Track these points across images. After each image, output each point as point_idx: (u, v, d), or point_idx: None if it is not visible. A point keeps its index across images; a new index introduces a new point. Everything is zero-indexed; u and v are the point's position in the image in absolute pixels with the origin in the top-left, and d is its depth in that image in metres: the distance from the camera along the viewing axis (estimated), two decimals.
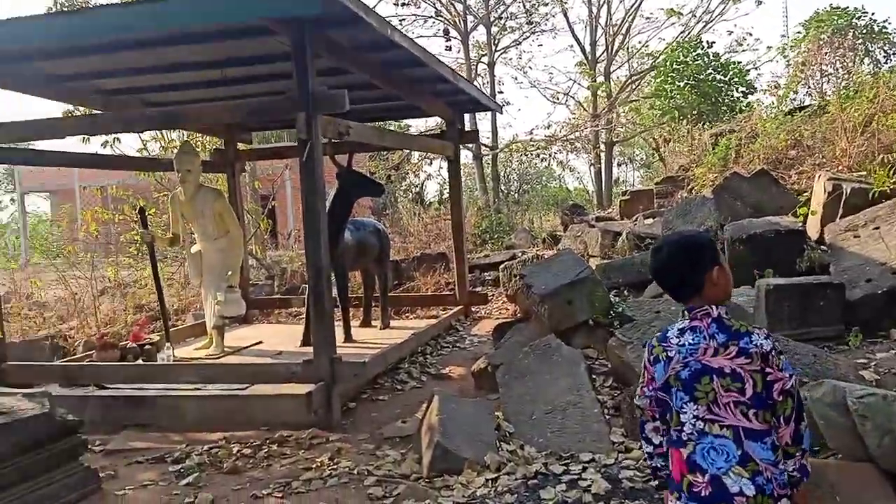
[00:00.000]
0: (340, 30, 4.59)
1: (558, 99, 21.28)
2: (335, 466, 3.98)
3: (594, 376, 4.70)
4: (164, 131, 10.33)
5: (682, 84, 14.33)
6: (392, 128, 12.04)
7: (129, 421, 4.82)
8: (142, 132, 4.60)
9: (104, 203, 13.12)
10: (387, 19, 4.97)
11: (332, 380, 4.55)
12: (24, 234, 22.23)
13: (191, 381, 4.73)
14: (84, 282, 9.59)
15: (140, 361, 5.70)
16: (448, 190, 7.84)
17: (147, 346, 5.79)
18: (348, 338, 6.45)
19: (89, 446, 4.48)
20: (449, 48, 19.43)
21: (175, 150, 6.10)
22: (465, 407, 4.28)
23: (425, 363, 5.96)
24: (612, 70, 20.17)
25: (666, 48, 17.23)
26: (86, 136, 9.76)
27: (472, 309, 7.96)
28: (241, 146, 8.16)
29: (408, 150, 19.64)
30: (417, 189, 28.51)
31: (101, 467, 4.12)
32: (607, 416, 4.23)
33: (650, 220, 8.39)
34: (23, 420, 3.46)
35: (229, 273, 6.12)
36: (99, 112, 4.85)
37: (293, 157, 10.99)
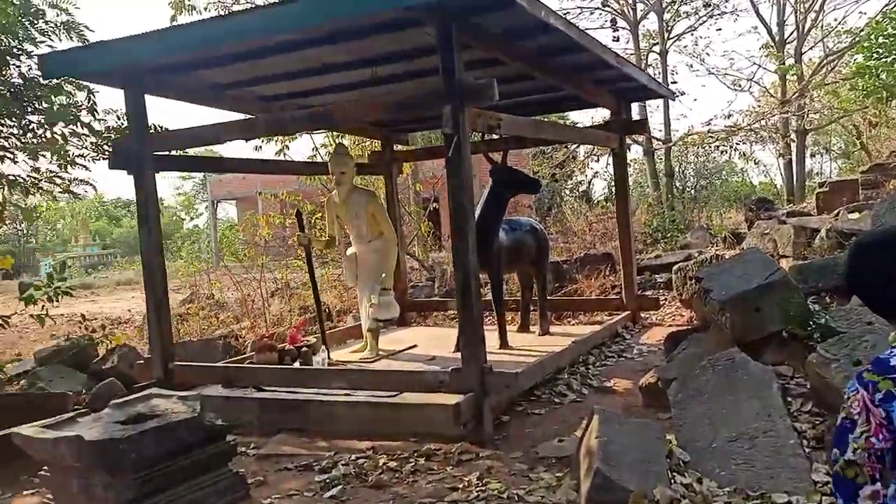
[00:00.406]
0: (488, 15, 4.26)
1: (740, 86, 19.58)
2: (483, 488, 3.64)
3: (789, 399, 3.98)
4: (335, 136, 10.70)
5: (889, 59, 12.52)
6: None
7: (283, 424, 4.79)
8: (292, 134, 4.51)
9: (281, 208, 13.83)
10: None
11: (482, 391, 4.21)
12: (214, 239, 24.23)
13: (341, 387, 4.60)
14: (257, 284, 10.06)
15: (296, 364, 5.72)
16: (615, 186, 7.22)
17: (304, 349, 5.79)
18: (504, 344, 6.11)
19: (244, 450, 4.51)
20: (616, 38, 18.56)
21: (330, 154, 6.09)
22: (631, 428, 3.75)
23: (587, 374, 5.46)
24: (803, 51, 18.30)
25: (869, 22, 15.25)
26: (258, 145, 10.36)
27: (641, 315, 7.32)
28: (398, 148, 8.12)
29: (573, 147, 18.99)
30: (584, 187, 27.70)
31: (252, 472, 4.09)
32: (807, 449, 3.53)
33: (855, 215, 7.26)
34: (173, 424, 3.44)
35: (383, 275, 6.00)
36: (252, 116, 4.88)
37: (473, 154, 10.92)
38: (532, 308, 6.96)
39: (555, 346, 5.84)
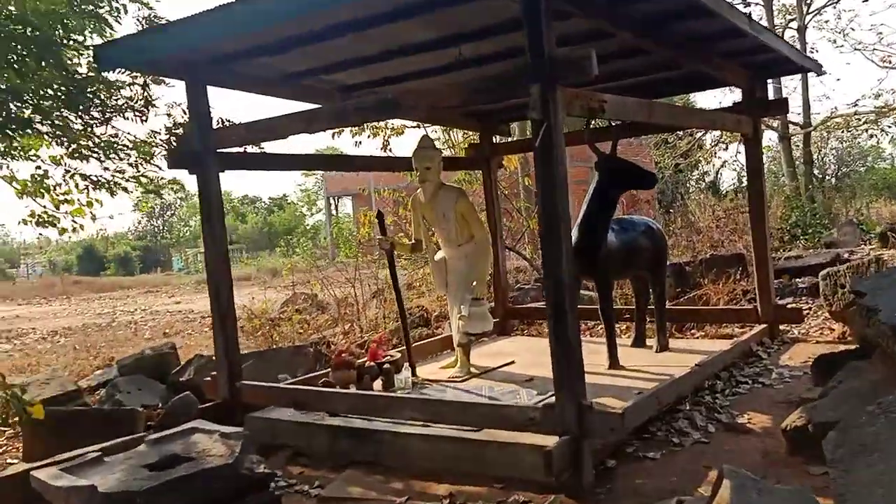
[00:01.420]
0: None
1: (891, 62, 17.41)
2: None
3: None
4: (446, 130, 10.11)
5: None
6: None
7: (354, 456, 4.23)
8: (357, 125, 3.91)
9: (395, 205, 13.43)
10: None
11: (581, 433, 3.44)
12: (329, 236, 24.44)
13: (414, 418, 3.96)
14: (359, 284, 9.64)
15: (377, 383, 5.15)
16: (746, 176, 6.17)
17: (386, 366, 5.21)
18: (613, 363, 5.27)
19: (306, 488, 3.98)
20: (749, 16, 16.90)
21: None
22: (775, 498, 2.87)
23: (714, 405, 4.53)
24: None
25: None
26: (359, 140, 9.93)
27: (780, 328, 6.22)
28: (498, 140, 7.42)
29: (699, 135, 17.52)
30: (710, 178, 25.83)
31: None
32: None
33: None
34: (203, 472, 2.92)
35: (474, 283, 5.32)
36: (314, 107, 4.34)
37: (575, 145, 10.04)
38: (648, 319, 6.06)
39: (674, 368, 4.95)
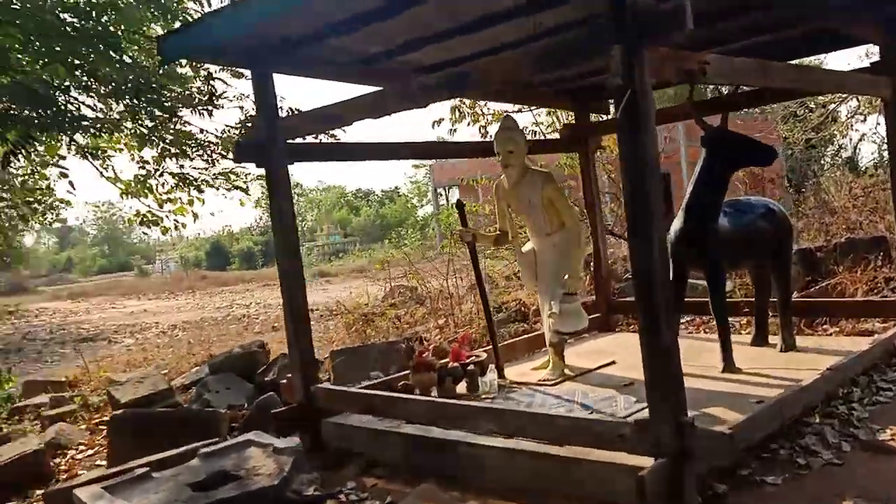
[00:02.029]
0: None
1: None
2: None
3: None
4: (553, 113, 9.59)
5: None
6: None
7: (430, 469, 3.88)
8: (425, 105, 3.52)
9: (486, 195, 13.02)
10: None
11: (681, 456, 2.91)
12: (437, 226, 24.34)
13: (490, 430, 3.55)
14: (457, 276, 9.31)
15: (462, 386, 4.78)
16: (888, 146, 5.31)
17: (470, 367, 4.83)
18: (728, 365, 4.63)
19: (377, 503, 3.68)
20: None
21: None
22: None
23: (849, 418, 3.83)
24: None
25: None
26: (453, 128, 9.55)
27: None
28: (597, 118, 6.84)
29: (833, 106, 15.93)
30: (847, 153, 23.64)
31: None
32: None
33: None
34: (245, 496, 2.66)
35: (566, 276, 4.83)
36: (377, 90, 4.00)
37: (677, 121, 9.20)
38: (771, 313, 5.34)
39: (801, 373, 4.27)
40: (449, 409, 3.73)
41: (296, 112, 5.02)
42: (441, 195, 33.02)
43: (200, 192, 6.46)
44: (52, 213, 8.56)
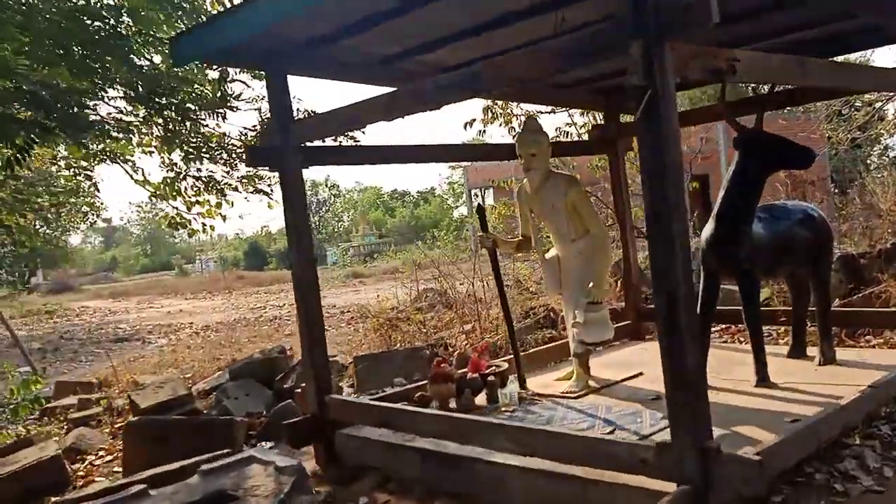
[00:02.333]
0: None
1: None
2: None
3: None
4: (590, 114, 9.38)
5: None
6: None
7: (445, 485, 3.73)
8: (439, 107, 3.37)
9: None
10: None
11: (705, 484, 2.71)
12: (472, 229, 24.15)
13: (506, 448, 3.38)
14: (486, 279, 9.13)
15: (482, 398, 4.61)
16: None
17: (490, 378, 4.66)
18: (762, 379, 4.38)
19: None
20: None
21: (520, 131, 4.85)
22: None
23: (892, 440, 3.57)
24: None
25: None
26: (482, 129, 9.39)
27: None
28: (626, 119, 6.60)
29: (881, 105, 15.32)
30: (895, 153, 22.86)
31: None
32: None
33: None
34: None
35: (590, 285, 4.64)
36: (390, 91, 3.85)
37: (709, 122, 8.88)
38: (809, 324, 5.07)
39: (841, 388, 4.01)
40: (461, 425, 3.57)
41: (311, 114, 4.91)
42: (477, 196, 32.82)
43: (224, 195, 6.40)
44: (82, 215, 8.61)
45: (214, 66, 5.20)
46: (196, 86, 5.16)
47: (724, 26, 4.16)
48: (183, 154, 6.06)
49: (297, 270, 4.31)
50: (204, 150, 5.94)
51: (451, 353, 6.89)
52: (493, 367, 4.79)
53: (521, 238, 5.10)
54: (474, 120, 9.58)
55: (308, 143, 4.35)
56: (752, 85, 10.09)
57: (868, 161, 21.04)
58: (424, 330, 8.38)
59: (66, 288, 36.47)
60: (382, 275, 25.44)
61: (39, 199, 8.35)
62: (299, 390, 4.52)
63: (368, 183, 70.57)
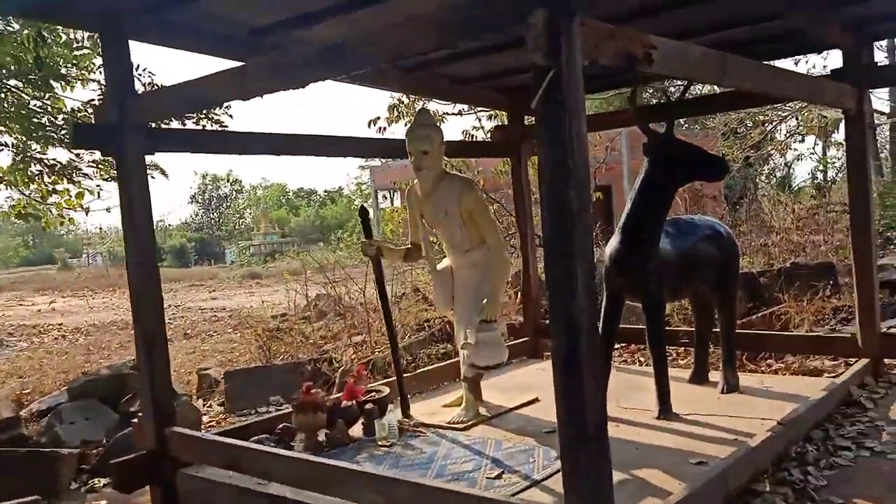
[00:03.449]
0: None
1: None
2: None
3: None
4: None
5: None
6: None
7: None
8: (300, 86, 2.75)
9: None
10: None
11: None
12: (377, 232, 23.48)
13: (369, 501, 2.80)
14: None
15: (356, 429, 4.02)
16: (847, 164, 4.77)
17: (368, 406, 4.07)
18: (665, 409, 4.01)
19: None
20: None
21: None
22: None
23: (804, 487, 3.20)
24: None
25: None
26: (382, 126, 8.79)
27: (886, 363, 4.79)
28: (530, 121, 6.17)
29: (771, 127, 15.78)
30: (782, 172, 23.87)
31: None
32: None
33: None
34: None
35: (484, 301, 4.12)
36: (241, 64, 3.20)
37: (617, 128, 8.63)
38: (712, 346, 4.77)
39: (746, 421, 3.69)
40: (317, 471, 2.96)
41: (155, 89, 4.17)
42: (385, 198, 32.12)
43: (72, 181, 5.52)
44: None
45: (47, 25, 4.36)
46: (13, 47, 4.29)
47: (642, 19, 3.80)
48: (15, 134, 5.15)
49: (134, 278, 3.56)
50: (49, 128, 5.06)
51: (336, 370, 6.26)
52: (372, 394, 4.20)
53: (409, 245, 4.53)
54: (378, 118, 9.04)
55: (155, 125, 3.63)
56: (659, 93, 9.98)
57: (756, 179, 21.80)
58: (312, 341, 7.70)
59: None
60: (281, 276, 24.34)
61: None
62: (136, 421, 3.78)
63: (274, 179, 68.54)
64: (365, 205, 4.71)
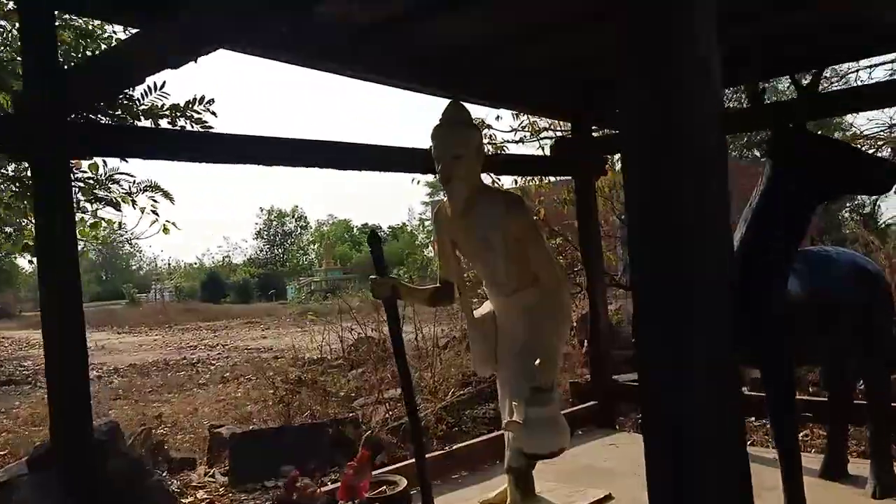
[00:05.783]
0: None
1: None
2: None
3: None
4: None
5: None
6: None
7: None
8: (207, 52, 1.74)
9: None
10: None
11: None
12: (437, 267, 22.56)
13: None
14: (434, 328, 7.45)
15: None
16: None
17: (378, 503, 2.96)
18: None
19: None
20: None
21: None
22: None
23: None
24: None
25: None
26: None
27: None
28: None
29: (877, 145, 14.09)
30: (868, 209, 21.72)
31: None
32: None
33: None
34: None
35: (537, 362, 2.96)
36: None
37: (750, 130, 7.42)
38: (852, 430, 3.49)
39: None
40: None
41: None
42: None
43: (78, 208, 4.67)
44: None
45: None
46: None
47: None
48: None
49: (48, 316, 2.59)
50: None
51: (361, 434, 5.17)
52: (383, 489, 3.08)
53: (437, 286, 3.41)
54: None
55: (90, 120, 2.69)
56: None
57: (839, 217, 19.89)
58: (344, 392, 6.65)
59: (3, 314, 33.97)
60: (338, 314, 23.56)
61: None
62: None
63: (340, 216, 68.92)
64: (375, 230, 3.62)
